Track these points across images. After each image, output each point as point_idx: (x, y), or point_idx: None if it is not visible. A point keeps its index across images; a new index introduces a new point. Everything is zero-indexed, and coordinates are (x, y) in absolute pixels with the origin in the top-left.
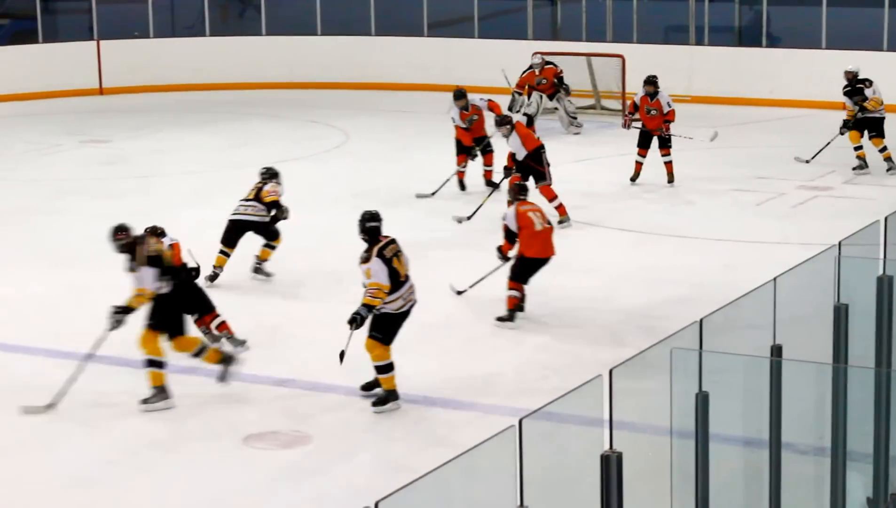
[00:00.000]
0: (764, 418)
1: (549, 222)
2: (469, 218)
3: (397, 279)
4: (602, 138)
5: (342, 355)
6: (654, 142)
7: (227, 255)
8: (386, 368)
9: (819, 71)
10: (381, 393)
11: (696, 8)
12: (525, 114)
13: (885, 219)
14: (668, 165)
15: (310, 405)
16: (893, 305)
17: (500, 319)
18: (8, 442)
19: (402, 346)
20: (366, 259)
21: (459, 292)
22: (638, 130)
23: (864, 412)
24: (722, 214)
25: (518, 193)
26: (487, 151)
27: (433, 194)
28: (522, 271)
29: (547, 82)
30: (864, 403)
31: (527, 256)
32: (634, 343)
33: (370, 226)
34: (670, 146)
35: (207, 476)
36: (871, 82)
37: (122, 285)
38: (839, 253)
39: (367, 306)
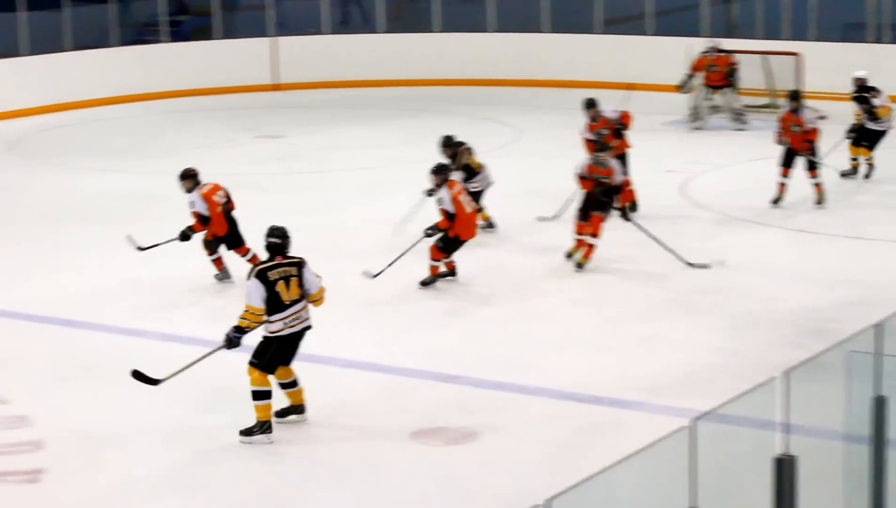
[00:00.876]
0: None
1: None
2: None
3: (279, 302)
4: (754, 140)
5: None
6: (802, 162)
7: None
8: (259, 395)
9: None
10: (252, 424)
11: (877, 4)
12: (690, 109)
13: None
14: (818, 186)
15: (478, 402)
16: None
17: (423, 283)
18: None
19: (569, 344)
20: (249, 276)
21: (374, 276)
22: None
23: None
24: None
25: (447, 173)
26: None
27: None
28: (449, 246)
29: (718, 71)
30: None
31: (461, 237)
32: (808, 345)
33: (268, 242)
34: (817, 167)
35: (379, 474)
36: (877, 92)
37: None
38: None
39: (237, 328)
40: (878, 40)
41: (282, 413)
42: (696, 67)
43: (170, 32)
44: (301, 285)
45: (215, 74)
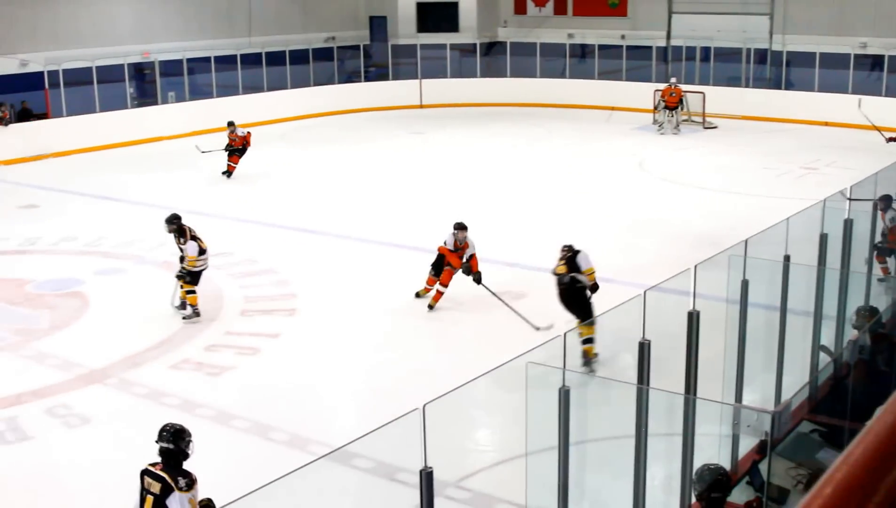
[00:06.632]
0: (778, 292)
1: None
2: None
3: None
4: (680, 139)
5: None
6: None
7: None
8: None
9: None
10: None
11: (746, 65)
12: (658, 122)
13: (850, 188)
14: None
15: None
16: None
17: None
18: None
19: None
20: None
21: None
22: None
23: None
24: (761, 181)
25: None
26: None
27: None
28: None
29: (675, 97)
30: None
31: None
32: (708, 251)
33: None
34: None
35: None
36: None
37: None
38: (824, 205)
39: None
40: (748, 86)
41: None
42: (663, 94)
43: (365, 76)
44: None
45: (390, 100)
